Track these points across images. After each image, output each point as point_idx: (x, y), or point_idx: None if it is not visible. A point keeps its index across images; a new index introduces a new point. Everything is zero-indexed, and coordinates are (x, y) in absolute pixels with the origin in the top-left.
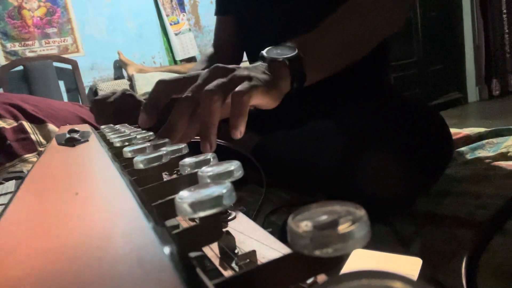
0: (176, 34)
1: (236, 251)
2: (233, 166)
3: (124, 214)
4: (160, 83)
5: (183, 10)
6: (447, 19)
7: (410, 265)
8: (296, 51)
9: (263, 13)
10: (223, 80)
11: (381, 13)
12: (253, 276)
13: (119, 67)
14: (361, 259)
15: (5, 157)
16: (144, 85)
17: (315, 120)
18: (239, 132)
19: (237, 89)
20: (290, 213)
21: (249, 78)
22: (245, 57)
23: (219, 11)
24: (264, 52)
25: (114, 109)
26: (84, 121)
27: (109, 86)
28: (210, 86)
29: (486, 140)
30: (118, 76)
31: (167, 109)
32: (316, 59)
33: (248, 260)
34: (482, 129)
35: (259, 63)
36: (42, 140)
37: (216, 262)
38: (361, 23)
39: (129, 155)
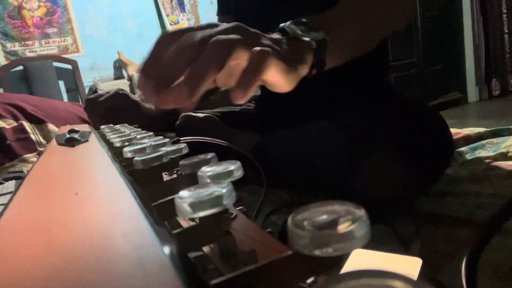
0: None
1: (236, 251)
2: (233, 166)
3: (124, 214)
4: (164, 36)
5: (183, 10)
6: (447, 19)
7: (410, 265)
8: (323, 35)
9: (264, 13)
10: (241, 37)
11: (395, 7)
12: (253, 276)
13: (119, 67)
14: (361, 259)
15: (5, 157)
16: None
17: (315, 120)
18: (244, 95)
19: (260, 48)
20: (290, 213)
21: (272, 47)
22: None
23: (220, 11)
24: (287, 26)
25: (106, 108)
26: (84, 121)
27: (109, 86)
28: (225, 37)
29: (486, 140)
30: (118, 76)
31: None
32: (337, 44)
33: (248, 260)
34: (482, 129)
35: (278, 36)
36: (42, 140)
37: (216, 262)
38: (379, 9)
39: (129, 155)
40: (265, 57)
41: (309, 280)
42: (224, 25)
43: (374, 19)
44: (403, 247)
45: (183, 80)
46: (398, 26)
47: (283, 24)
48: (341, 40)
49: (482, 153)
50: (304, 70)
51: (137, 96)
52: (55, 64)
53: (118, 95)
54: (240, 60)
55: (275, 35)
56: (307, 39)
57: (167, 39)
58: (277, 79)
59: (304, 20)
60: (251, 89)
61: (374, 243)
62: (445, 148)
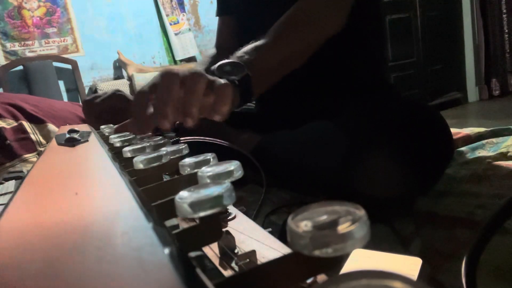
0: (176, 34)
1: (236, 251)
2: (233, 166)
3: (124, 214)
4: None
5: (183, 10)
6: (447, 19)
7: (410, 265)
8: (245, 71)
9: (263, 13)
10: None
11: (320, 19)
12: (253, 276)
13: (119, 67)
14: (361, 259)
15: (5, 157)
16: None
17: (315, 120)
18: (222, 118)
19: (223, 82)
20: (290, 213)
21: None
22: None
23: (220, 12)
24: (215, 69)
25: (102, 109)
26: (84, 121)
27: (109, 86)
28: (197, 71)
29: (486, 140)
30: (118, 76)
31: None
32: (263, 74)
33: (248, 260)
34: (482, 129)
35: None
36: (42, 140)
37: (216, 262)
38: (302, 31)
39: (129, 155)
40: (227, 88)
41: (309, 280)
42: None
43: (303, 36)
44: (403, 247)
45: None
46: (332, 32)
47: (212, 67)
48: (265, 71)
49: (482, 153)
50: (234, 102)
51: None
52: (55, 64)
53: (115, 96)
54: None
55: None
56: (230, 78)
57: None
58: (228, 104)
59: (230, 61)
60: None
61: (374, 243)
62: (445, 148)
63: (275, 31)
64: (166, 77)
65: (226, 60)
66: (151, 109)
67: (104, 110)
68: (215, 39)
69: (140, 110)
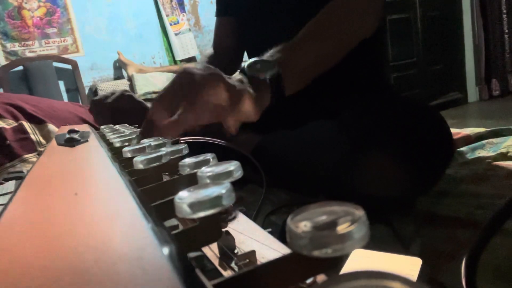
0: (176, 34)
1: (235, 251)
2: (233, 166)
3: (124, 215)
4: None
5: (183, 10)
6: (447, 19)
7: (410, 265)
8: (276, 68)
9: (263, 14)
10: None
11: (353, 22)
12: (252, 276)
13: (119, 67)
14: (361, 259)
15: (5, 157)
16: (144, 85)
17: (315, 120)
18: (234, 126)
19: (238, 85)
20: (290, 213)
21: (241, 83)
22: (245, 57)
23: (219, 12)
24: (245, 67)
25: (112, 110)
26: (84, 121)
27: (109, 86)
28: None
29: (486, 140)
30: (118, 76)
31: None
32: (295, 73)
33: (247, 260)
34: (482, 129)
35: (240, 76)
36: (42, 140)
37: (216, 262)
38: (335, 32)
39: (128, 155)
40: (240, 91)
41: (309, 281)
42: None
43: (335, 37)
44: (403, 247)
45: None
46: (364, 35)
47: (243, 64)
48: (297, 69)
49: (482, 153)
50: (266, 102)
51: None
52: (55, 64)
53: (124, 97)
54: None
55: (238, 76)
56: (261, 77)
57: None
58: (247, 109)
59: (260, 59)
60: (237, 123)
61: (374, 243)
62: (446, 148)
63: (308, 30)
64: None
65: (256, 58)
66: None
67: (113, 110)
68: (213, 40)
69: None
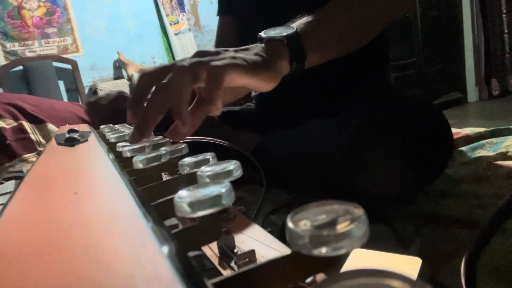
0: (176, 34)
1: (235, 251)
2: (232, 165)
3: (123, 214)
4: (143, 76)
5: (183, 10)
6: (447, 19)
7: (409, 265)
8: (295, 29)
9: (265, 12)
10: (200, 59)
11: None
12: (252, 275)
13: (119, 67)
14: (360, 259)
15: (4, 157)
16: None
17: (315, 119)
18: (215, 107)
19: (212, 63)
20: (289, 213)
21: (232, 58)
22: None
23: (221, 11)
24: (261, 33)
25: (107, 111)
26: (84, 121)
27: (109, 86)
28: (182, 62)
29: (486, 140)
30: (118, 76)
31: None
32: (317, 39)
33: (247, 259)
34: (482, 129)
35: (255, 44)
36: (42, 140)
37: (215, 261)
38: (367, 5)
39: (128, 154)
40: (217, 70)
41: (309, 280)
42: (185, 59)
43: (368, 11)
44: (403, 247)
45: (173, 116)
46: (396, 16)
47: (260, 33)
48: (320, 35)
49: (482, 153)
50: (285, 67)
51: None
52: (55, 64)
53: (119, 98)
54: (201, 79)
55: (249, 45)
56: (278, 37)
57: (147, 79)
58: (248, 81)
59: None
60: (217, 100)
61: (374, 243)
62: (446, 146)
63: (333, 5)
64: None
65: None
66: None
67: (108, 112)
68: (215, 39)
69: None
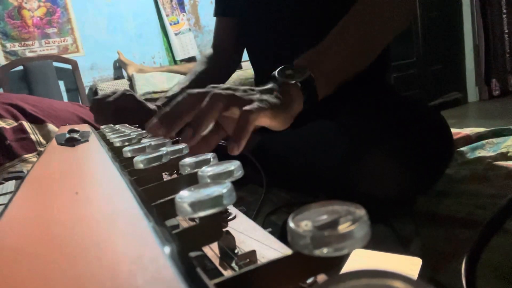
0: (176, 34)
1: (236, 251)
2: (233, 166)
3: (124, 214)
4: (189, 96)
5: (183, 10)
6: (447, 19)
7: (410, 265)
8: (308, 72)
9: (263, 13)
10: (236, 94)
11: (386, 18)
12: (253, 276)
13: (119, 67)
14: (361, 259)
15: (5, 157)
16: (144, 85)
17: (316, 120)
18: (237, 147)
19: (246, 107)
20: (290, 213)
21: (260, 100)
22: (245, 57)
23: (219, 12)
24: (276, 74)
25: (114, 109)
26: (84, 121)
27: (109, 86)
28: (221, 91)
29: (486, 140)
30: (118, 76)
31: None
32: (327, 74)
33: (248, 260)
34: (482, 129)
35: (271, 84)
36: (42, 140)
37: (216, 262)
38: (370, 27)
39: (129, 155)
40: (249, 115)
41: (309, 280)
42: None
43: (370, 35)
44: (403, 247)
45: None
46: (399, 30)
47: (274, 72)
48: (329, 70)
49: (482, 153)
50: (299, 107)
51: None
52: (55, 64)
53: (126, 96)
54: (232, 114)
55: (268, 85)
56: (292, 81)
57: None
58: (269, 123)
59: (291, 65)
60: (243, 142)
61: (374, 243)
62: (446, 148)
63: (340, 29)
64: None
65: (286, 65)
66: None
67: (115, 110)
68: (212, 39)
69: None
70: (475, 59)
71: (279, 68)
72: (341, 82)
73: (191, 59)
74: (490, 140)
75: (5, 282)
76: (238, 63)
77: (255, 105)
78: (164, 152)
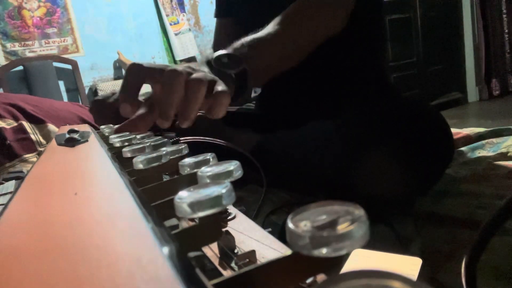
0: (176, 34)
1: (235, 251)
2: (233, 166)
3: (124, 214)
4: (133, 67)
5: (183, 10)
6: (447, 19)
7: (410, 265)
8: (242, 65)
9: (263, 15)
10: (208, 77)
11: (323, 18)
12: (252, 276)
13: (119, 67)
14: (361, 259)
15: (5, 157)
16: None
17: (315, 120)
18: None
19: (222, 89)
20: (290, 213)
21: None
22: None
23: (219, 13)
24: (212, 61)
25: (114, 110)
26: (84, 121)
27: (109, 86)
28: (199, 76)
29: (486, 140)
30: (118, 76)
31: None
32: (261, 69)
33: (247, 260)
34: (482, 129)
35: (207, 69)
36: (42, 140)
37: (216, 262)
38: (304, 29)
39: (128, 155)
40: (225, 95)
41: (309, 280)
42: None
43: (304, 33)
44: (403, 247)
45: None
46: (334, 31)
47: (209, 58)
48: (268, 61)
49: (482, 153)
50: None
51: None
52: (55, 64)
53: None
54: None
55: (204, 68)
56: (228, 72)
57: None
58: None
59: (228, 52)
60: (193, 115)
61: (374, 243)
62: (446, 148)
63: (275, 26)
64: (172, 77)
65: (224, 51)
66: (144, 108)
67: (115, 110)
68: (213, 40)
69: (141, 111)
70: (475, 59)
71: (216, 54)
72: (274, 76)
73: (191, 59)
74: (490, 140)
75: (4, 282)
76: None
77: (225, 88)
78: (164, 152)
